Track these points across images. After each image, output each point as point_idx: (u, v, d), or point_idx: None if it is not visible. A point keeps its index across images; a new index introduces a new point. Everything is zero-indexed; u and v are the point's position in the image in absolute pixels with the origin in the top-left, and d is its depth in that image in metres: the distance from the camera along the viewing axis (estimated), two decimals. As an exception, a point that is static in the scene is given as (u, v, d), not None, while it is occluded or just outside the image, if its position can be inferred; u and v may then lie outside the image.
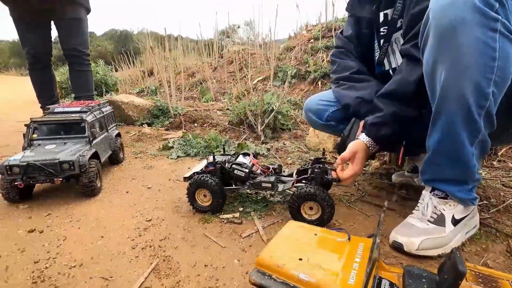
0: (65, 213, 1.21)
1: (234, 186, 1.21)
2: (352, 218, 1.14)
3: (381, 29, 1.17)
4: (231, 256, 0.91)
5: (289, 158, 1.89)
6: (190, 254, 0.92)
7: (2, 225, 1.13)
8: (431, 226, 0.92)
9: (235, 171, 1.18)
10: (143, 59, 7.68)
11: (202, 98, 4.46)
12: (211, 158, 1.26)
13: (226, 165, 1.23)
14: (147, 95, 4.99)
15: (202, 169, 1.26)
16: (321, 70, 3.87)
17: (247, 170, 1.18)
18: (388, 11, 1.13)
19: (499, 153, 1.72)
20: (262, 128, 2.39)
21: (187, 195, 1.19)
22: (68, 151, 1.32)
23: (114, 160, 1.79)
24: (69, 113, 1.50)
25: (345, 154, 1.05)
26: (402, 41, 1.08)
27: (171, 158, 1.90)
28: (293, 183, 1.16)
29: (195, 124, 2.92)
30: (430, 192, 0.96)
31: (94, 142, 1.48)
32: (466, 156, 0.84)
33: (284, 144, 2.23)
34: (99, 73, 5.53)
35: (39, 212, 1.22)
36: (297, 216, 1.07)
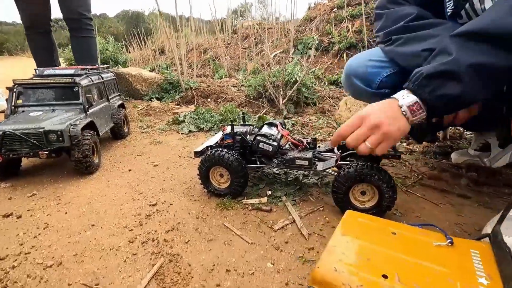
0: (52, 194, 0.99)
1: (259, 164, 0.95)
2: (415, 207, 0.87)
3: None
4: (262, 257, 0.66)
5: (318, 134, 1.61)
6: (206, 253, 0.68)
7: (-25, 207, 0.92)
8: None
9: (261, 144, 0.91)
10: (154, 39, 7.46)
11: (215, 75, 4.17)
12: (228, 129, 0.99)
13: (248, 138, 0.97)
14: (158, 73, 4.78)
15: (217, 143, 1.00)
16: (347, 41, 3.48)
17: (275, 144, 0.91)
18: None
19: None
20: (284, 101, 2.10)
21: (199, 175, 0.94)
22: (57, 119, 1.08)
23: (117, 134, 1.56)
24: (61, 76, 1.25)
25: (345, 125, 0.68)
26: None
27: (181, 133, 1.65)
28: (336, 161, 0.88)
29: (208, 99, 2.66)
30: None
31: (90, 111, 1.24)
32: None
33: (310, 119, 1.94)
34: (108, 50, 5.28)
35: (22, 192, 1.00)
36: (344, 203, 0.81)
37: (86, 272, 0.63)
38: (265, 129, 1.00)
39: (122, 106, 1.63)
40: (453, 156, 1.21)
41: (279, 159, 0.92)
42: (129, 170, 1.18)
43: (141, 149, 1.43)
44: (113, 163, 1.26)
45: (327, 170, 0.91)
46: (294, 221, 0.79)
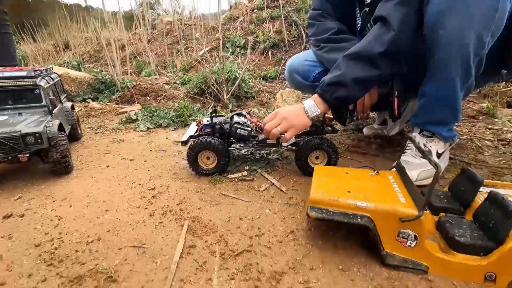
0: (41, 194, 1.01)
1: (237, 145, 1.19)
2: (348, 165, 1.24)
3: None
4: (260, 207, 0.91)
5: (265, 123, 1.91)
6: (218, 212, 0.89)
7: (-43, 216, 0.89)
8: (423, 161, 1.07)
9: (238, 130, 1.15)
10: (51, 31, 6.55)
11: (140, 72, 4.07)
12: (204, 121, 1.21)
13: (224, 126, 1.19)
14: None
15: (197, 132, 1.19)
16: (270, 40, 3.90)
17: (249, 129, 1.16)
18: None
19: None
20: (228, 96, 2.33)
21: (187, 160, 1.12)
22: (29, 122, 1.08)
23: (73, 136, 1.54)
24: (13, 79, 1.21)
25: (266, 118, 1.04)
26: None
27: (140, 131, 1.72)
28: (296, 138, 1.19)
29: (148, 98, 2.68)
30: (419, 133, 1.11)
31: (54, 112, 1.24)
32: (457, 100, 0.97)
33: (253, 111, 2.23)
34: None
35: (4, 197, 0.99)
36: (305, 166, 1.12)
37: (128, 239, 0.76)
38: (236, 119, 1.23)
39: (72, 107, 1.60)
40: (365, 130, 1.67)
41: (254, 140, 1.18)
42: (107, 166, 1.25)
43: (105, 148, 1.47)
44: (84, 162, 1.29)
45: (289, 146, 1.21)
46: (273, 184, 1.06)
